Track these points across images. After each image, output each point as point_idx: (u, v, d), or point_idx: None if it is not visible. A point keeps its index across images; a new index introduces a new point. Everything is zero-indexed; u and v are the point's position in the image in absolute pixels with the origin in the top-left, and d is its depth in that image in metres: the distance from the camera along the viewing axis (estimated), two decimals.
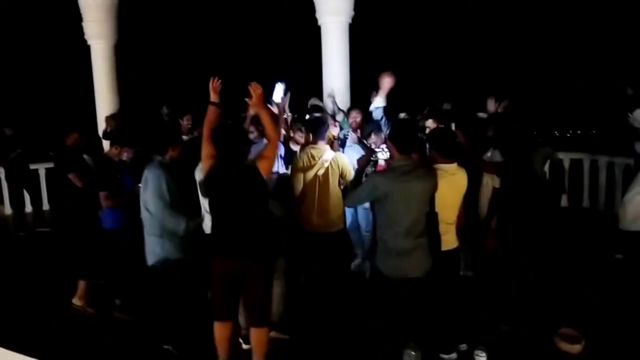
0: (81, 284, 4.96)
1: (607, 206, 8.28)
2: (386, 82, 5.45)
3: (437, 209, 3.53)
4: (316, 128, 4.52)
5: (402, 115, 5.79)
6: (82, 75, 9.30)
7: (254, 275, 3.47)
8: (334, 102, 6.67)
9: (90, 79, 9.01)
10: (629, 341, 3.84)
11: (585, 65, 19.49)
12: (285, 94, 4.90)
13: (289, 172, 4.72)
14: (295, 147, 5.19)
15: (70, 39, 9.69)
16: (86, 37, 8.86)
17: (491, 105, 5.61)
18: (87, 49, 8.94)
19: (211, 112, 3.70)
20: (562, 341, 3.87)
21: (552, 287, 5.06)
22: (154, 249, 4.03)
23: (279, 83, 4.80)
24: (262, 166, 3.45)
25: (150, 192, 3.94)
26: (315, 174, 4.36)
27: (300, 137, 5.21)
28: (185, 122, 6.70)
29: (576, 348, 3.81)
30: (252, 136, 4.61)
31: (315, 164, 4.36)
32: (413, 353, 3.41)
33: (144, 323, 4.48)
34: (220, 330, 3.59)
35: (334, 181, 4.41)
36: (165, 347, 4.11)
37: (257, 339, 3.58)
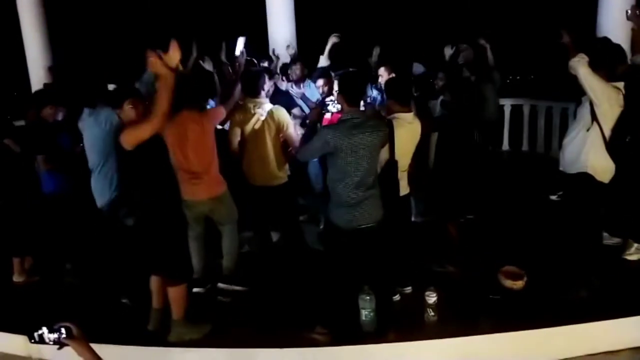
0: (15, 261, 4.81)
1: (546, 149, 8.67)
2: (330, 42, 5.45)
3: (396, 157, 3.60)
4: (252, 81, 4.44)
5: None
6: (9, 30, 8.66)
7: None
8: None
9: (19, 33, 8.42)
10: (566, 276, 4.11)
11: (524, 10, 19.77)
12: (244, 47, 4.76)
13: None
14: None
15: None
16: None
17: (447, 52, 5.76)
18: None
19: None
20: (506, 278, 4.10)
21: (494, 227, 5.33)
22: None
23: (241, 37, 4.69)
24: (125, 137, 3.26)
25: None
26: (253, 128, 4.35)
27: None
28: None
29: (519, 284, 4.03)
30: None
31: (252, 117, 4.34)
32: (367, 297, 3.54)
33: (96, 282, 4.45)
34: (153, 281, 3.75)
35: (271, 134, 4.39)
36: (123, 300, 4.14)
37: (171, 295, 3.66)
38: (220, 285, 4.23)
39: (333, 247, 3.61)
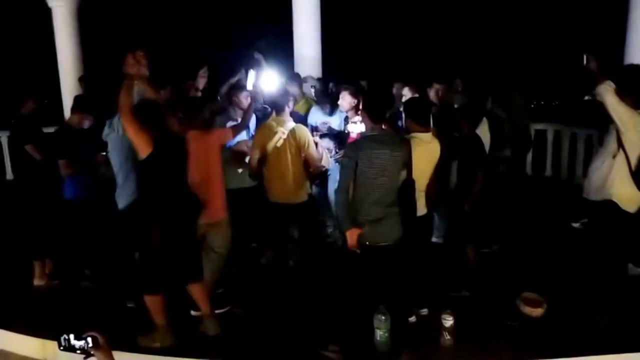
0: (37, 265, 4.86)
1: (569, 176, 8.55)
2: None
3: (413, 177, 3.60)
4: (279, 100, 4.52)
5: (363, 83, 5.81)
6: (44, 40, 8.93)
7: None
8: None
9: (53, 44, 8.67)
10: (588, 305, 4.02)
11: (550, 36, 19.68)
12: (257, 79, 4.86)
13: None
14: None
15: (29, 1, 9.24)
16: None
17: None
18: (48, 12, 8.56)
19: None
20: (525, 305, 4.03)
21: (515, 254, 5.26)
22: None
23: (251, 70, 4.80)
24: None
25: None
26: (275, 145, 4.39)
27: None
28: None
29: (538, 311, 3.97)
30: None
31: (274, 135, 4.38)
32: (383, 317, 3.51)
33: (109, 287, 4.53)
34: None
35: (292, 153, 4.43)
36: (129, 305, 4.18)
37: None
38: (193, 313, 4.08)
39: (351, 264, 3.60)
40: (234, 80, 5.14)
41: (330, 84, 6.17)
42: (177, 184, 3.60)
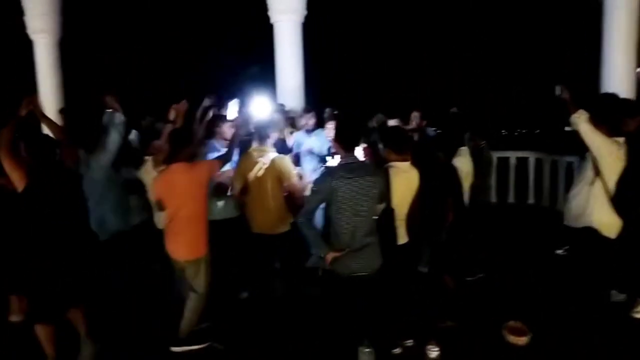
0: (13, 299, 4.72)
1: (551, 203, 8.63)
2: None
3: (393, 205, 3.58)
4: (262, 130, 4.53)
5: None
6: (25, 71, 8.89)
7: None
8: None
9: (33, 75, 8.64)
10: (572, 333, 4.00)
11: (529, 65, 20.18)
12: (240, 109, 4.87)
13: None
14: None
15: (11, 33, 9.23)
16: (29, 31, 8.50)
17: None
18: (29, 43, 8.57)
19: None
20: (509, 334, 4.00)
21: (500, 281, 5.24)
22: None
23: (233, 100, 4.80)
24: None
25: None
26: (255, 175, 4.37)
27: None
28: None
29: (523, 340, 3.94)
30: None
31: (255, 165, 4.37)
32: (367, 350, 3.44)
33: None
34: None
35: (273, 183, 4.40)
36: None
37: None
38: (173, 349, 4.00)
39: (331, 294, 3.54)
40: (207, 104, 5.08)
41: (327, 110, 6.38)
42: (57, 215, 3.64)
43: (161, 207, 3.96)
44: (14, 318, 4.71)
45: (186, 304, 3.98)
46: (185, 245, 3.88)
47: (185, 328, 4.02)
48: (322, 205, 3.55)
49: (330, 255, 3.34)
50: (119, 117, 4.51)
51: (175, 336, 4.01)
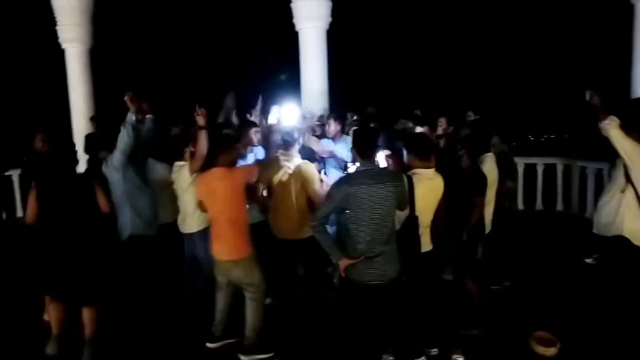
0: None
1: (580, 210, 8.46)
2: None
3: (416, 213, 3.56)
4: (290, 135, 4.53)
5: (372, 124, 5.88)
6: (57, 80, 9.12)
7: None
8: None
9: (65, 84, 8.87)
10: (602, 344, 3.91)
11: (559, 69, 19.86)
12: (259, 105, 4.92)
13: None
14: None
15: (44, 43, 9.50)
16: (60, 40, 8.72)
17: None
18: (61, 52, 8.80)
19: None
20: (537, 344, 3.93)
21: (527, 289, 5.15)
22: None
23: (275, 106, 4.90)
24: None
25: None
26: (280, 180, 4.40)
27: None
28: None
29: (551, 351, 3.86)
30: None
31: (279, 170, 4.40)
32: (390, 359, 3.42)
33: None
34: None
35: (297, 188, 4.40)
36: None
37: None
38: (242, 357, 4.04)
39: (348, 302, 3.52)
40: (228, 105, 5.10)
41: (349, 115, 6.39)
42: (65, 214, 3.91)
43: (203, 208, 4.10)
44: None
45: (245, 312, 4.03)
46: (227, 245, 3.93)
47: (252, 334, 4.05)
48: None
49: (344, 262, 3.33)
50: (130, 117, 4.51)
51: (242, 344, 4.06)
